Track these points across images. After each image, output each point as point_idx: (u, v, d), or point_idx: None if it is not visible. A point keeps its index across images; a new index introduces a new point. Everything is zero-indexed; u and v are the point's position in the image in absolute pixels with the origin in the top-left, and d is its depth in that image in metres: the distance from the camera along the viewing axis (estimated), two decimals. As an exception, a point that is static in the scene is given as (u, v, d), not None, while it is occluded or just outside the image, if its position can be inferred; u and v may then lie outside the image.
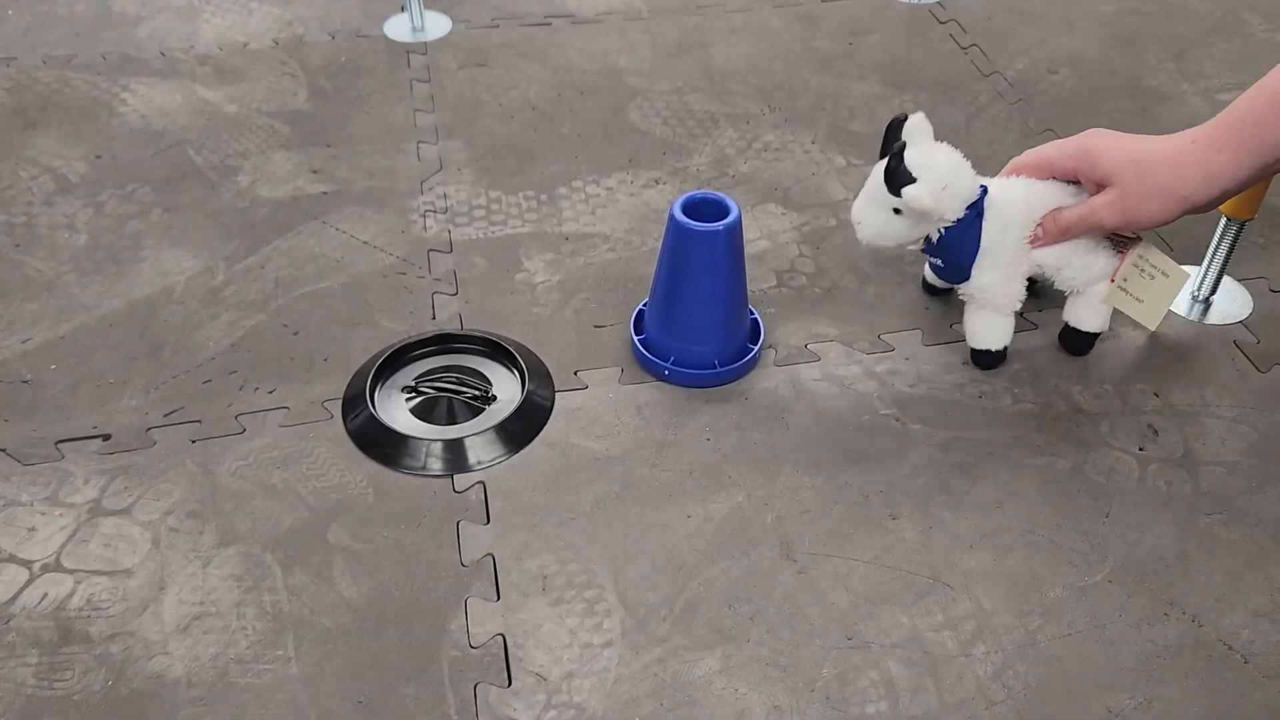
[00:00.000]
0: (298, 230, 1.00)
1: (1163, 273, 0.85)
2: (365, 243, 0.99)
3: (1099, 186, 0.78)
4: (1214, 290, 0.94)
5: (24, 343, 0.89)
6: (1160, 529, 0.76)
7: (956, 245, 0.82)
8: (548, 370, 0.88)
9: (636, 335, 0.88)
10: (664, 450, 0.81)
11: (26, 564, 0.73)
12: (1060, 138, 1.14)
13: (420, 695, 0.66)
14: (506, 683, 0.67)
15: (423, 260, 0.98)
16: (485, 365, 0.88)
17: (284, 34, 1.29)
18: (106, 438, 0.81)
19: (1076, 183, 0.82)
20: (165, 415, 0.83)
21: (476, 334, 0.89)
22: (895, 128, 0.79)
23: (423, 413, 0.84)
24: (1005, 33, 1.32)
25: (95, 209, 1.03)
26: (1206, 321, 0.93)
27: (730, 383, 0.86)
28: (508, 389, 0.86)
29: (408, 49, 1.27)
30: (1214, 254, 0.92)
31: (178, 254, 0.98)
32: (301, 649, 0.68)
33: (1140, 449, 0.82)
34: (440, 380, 0.86)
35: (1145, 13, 1.36)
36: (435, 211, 1.03)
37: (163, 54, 1.25)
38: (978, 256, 0.82)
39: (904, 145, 0.78)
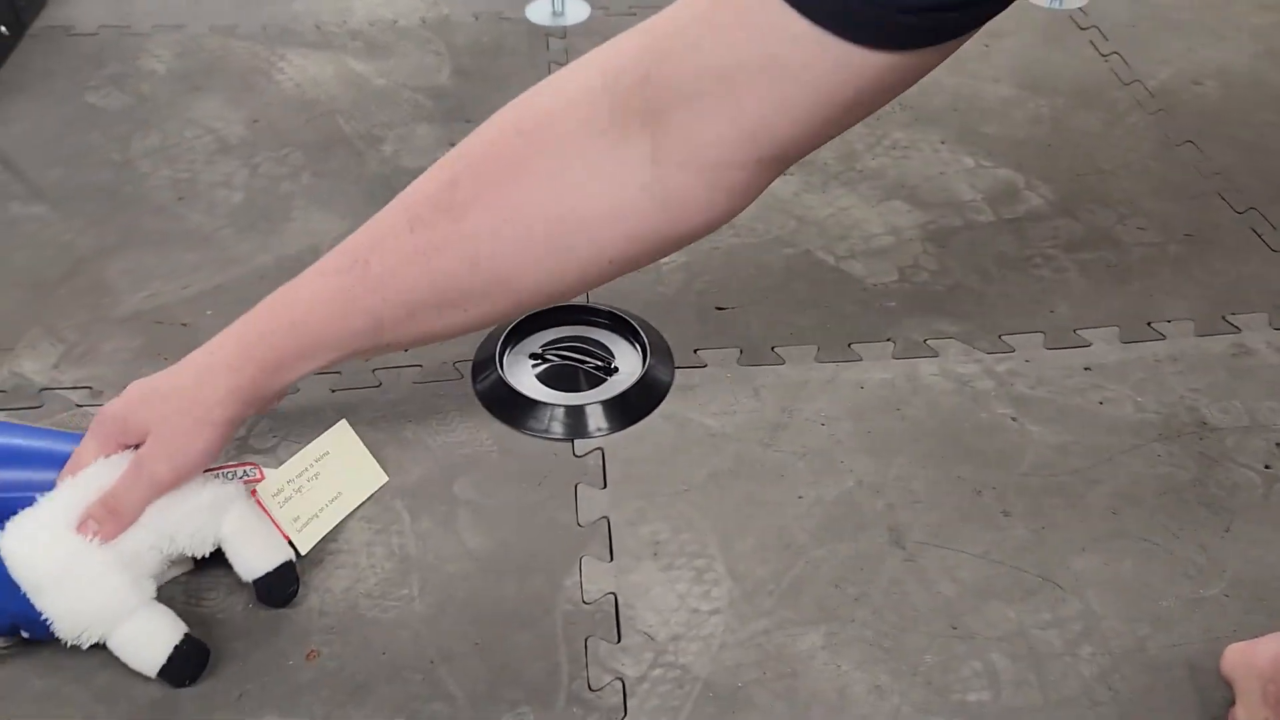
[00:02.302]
0: (437, 200, 1.05)
1: (315, 476, 0.75)
2: (499, 215, 1.03)
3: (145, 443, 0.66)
4: (1356, 313, 0.91)
5: (183, 289, 0.95)
6: (1283, 548, 0.75)
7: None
8: (668, 347, 0.90)
9: None
10: (778, 432, 0.83)
11: (179, 491, 0.79)
12: (1200, 150, 1.12)
13: (533, 643, 0.69)
14: (616, 639, 0.70)
15: (553, 235, 1.01)
16: (609, 338, 0.91)
17: (431, 13, 1.34)
18: (254, 381, 0.87)
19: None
20: (308, 364, 0.88)
21: (602, 308, 0.92)
22: None
23: (548, 379, 0.87)
24: (1149, 41, 1.30)
25: (251, 170, 1.09)
26: (1346, 344, 0.90)
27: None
28: (629, 362, 0.89)
29: (547, 32, 1.31)
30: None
31: (324, 216, 1.03)
32: (425, 591, 0.72)
33: (1266, 466, 0.80)
34: (566, 349, 0.89)
35: (1300, 27, 1.32)
36: (567, 189, 1.07)
37: (317, 27, 1.32)
38: (34, 600, 0.62)
39: None
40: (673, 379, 0.87)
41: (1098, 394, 0.86)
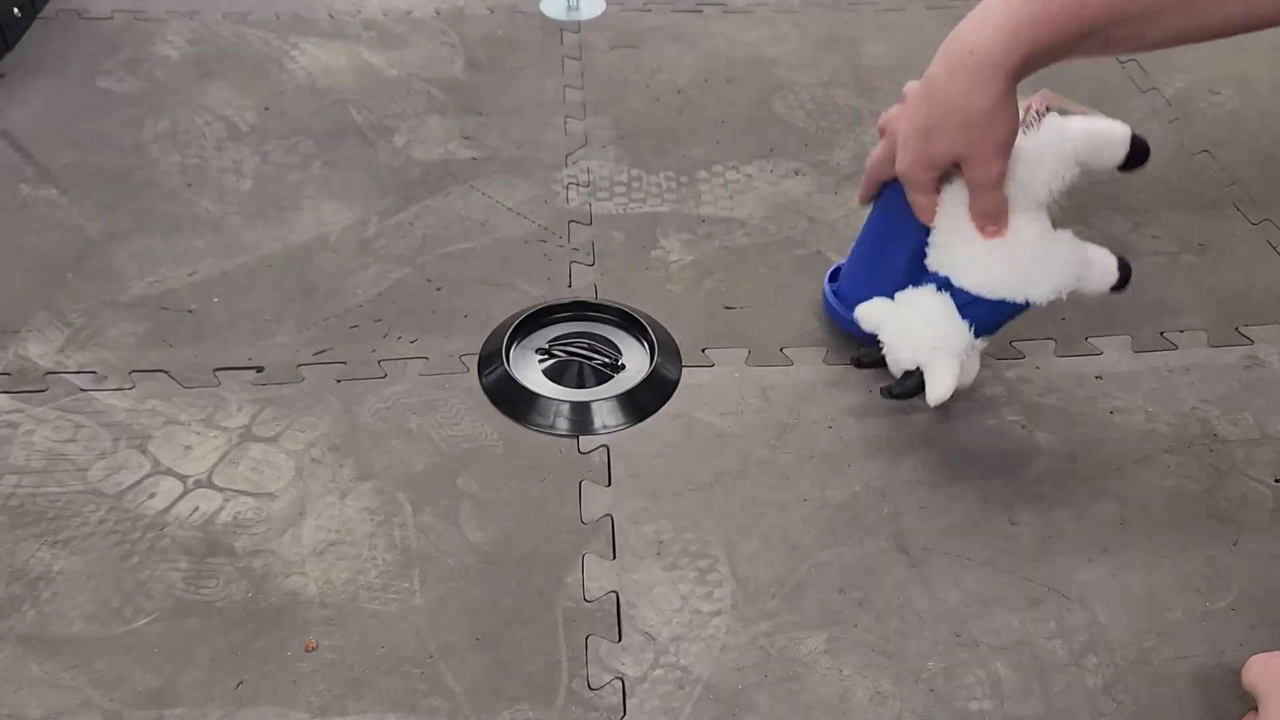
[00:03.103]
0: (447, 192, 1.05)
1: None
2: (509, 209, 1.03)
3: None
4: (1371, 327, 0.91)
5: (190, 275, 0.95)
6: (1292, 563, 0.74)
7: (994, 318, 0.77)
8: (676, 345, 0.90)
9: (830, 284, 0.90)
10: (785, 433, 0.82)
11: (182, 478, 0.78)
12: (1216, 159, 1.12)
13: (534, 640, 0.69)
14: (617, 638, 0.69)
15: (563, 230, 1.01)
16: (617, 335, 0.91)
17: (445, 5, 1.34)
18: (260, 370, 0.86)
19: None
20: (314, 354, 0.88)
21: (610, 304, 0.92)
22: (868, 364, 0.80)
23: (554, 374, 0.87)
24: (1168, 49, 1.28)
25: (261, 157, 1.09)
26: (1360, 359, 0.90)
27: None
28: (637, 360, 0.88)
29: (561, 27, 1.30)
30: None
31: (334, 205, 1.03)
32: (426, 584, 0.72)
33: (1276, 480, 0.80)
34: (573, 345, 0.89)
35: (1320, 38, 1.31)
36: (578, 184, 1.06)
37: (331, 16, 1.31)
38: (1019, 294, 0.76)
39: (917, 382, 0.76)
40: (680, 377, 0.87)
41: (1108, 403, 0.85)
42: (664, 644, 0.69)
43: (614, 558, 0.74)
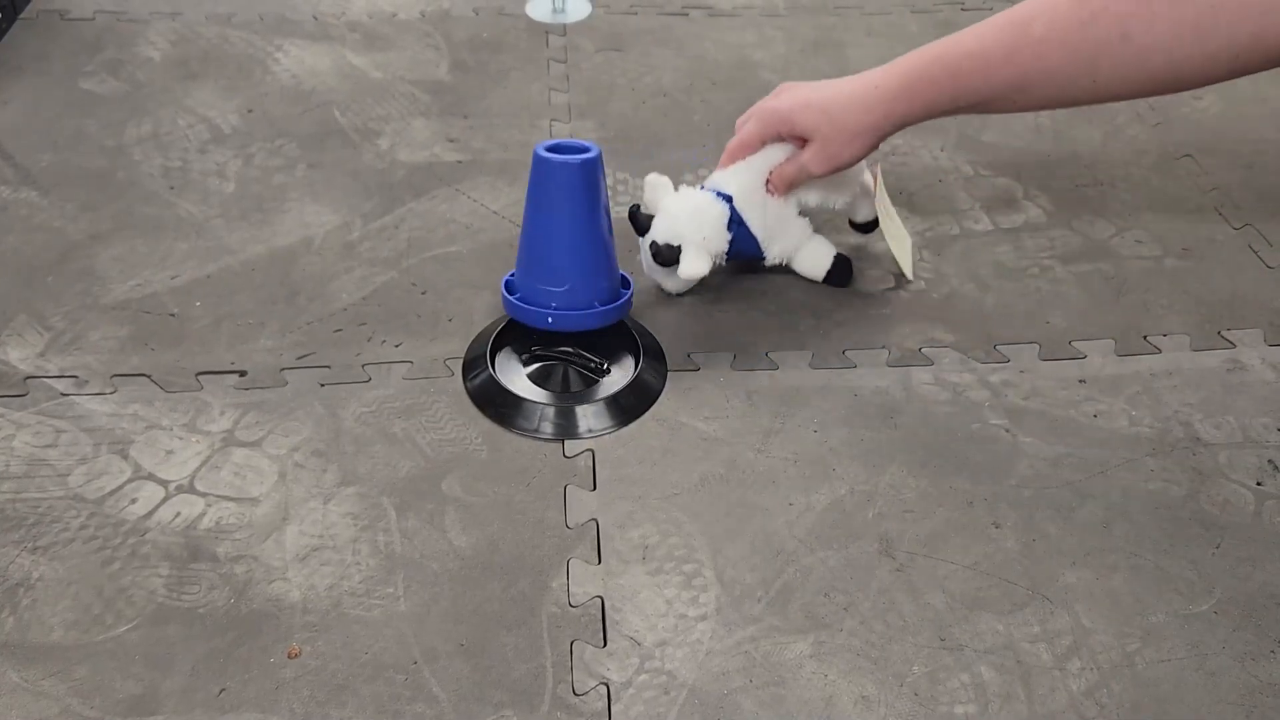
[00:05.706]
0: (432, 195, 1.04)
1: (892, 217, 0.95)
2: (495, 212, 1.03)
3: (804, 141, 0.86)
4: (1351, 331, 0.91)
5: (173, 279, 0.94)
6: (1274, 566, 0.75)
7: (743, 250, 0.92)
8: (661, 349, 0.89)
9: (511, 295, 0.87)
10: (771, 437, 0.82)
11: (163, 483, 0.78)
12: (1199, 164, 1.12)
13: (519, 645, 0.69)
14: (602, 643, 0.69)
15: (548, 233, 1.00)
16: (602, 339, 0.90)
17: (431, 7, 1.34)
18: (243, 374, 0.86)
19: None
20: (298, 358, 0.87)
21: (596, 308, 0.91)
22: (634, 216, 0.90)
23: (539, 378, 0.86)
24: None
25: (245, 160, 1.08)
26: (1340, 362, 0.90)
27: (607, 325, 0.87)
28: (622, 364, 0.88)
29: (547, 29, 1.30)
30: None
31: (318, 208, 1.02)
32: (410, 589, 0.72)
33: (1258, 484, 0.80)
34: (558, 349, 0.88)
35: (1301, 43, 1.32)
36: (563, 188, 1.06)
37: (315, 18, 1.31)
38: (761, 244, 0.92)
39: (650, 234, 0.88)
40: (665, 381, 0.87)
41: (1091, 407, 0.86)
42: (649, 649, 0.69)
43: (599, 562, 0.74)
